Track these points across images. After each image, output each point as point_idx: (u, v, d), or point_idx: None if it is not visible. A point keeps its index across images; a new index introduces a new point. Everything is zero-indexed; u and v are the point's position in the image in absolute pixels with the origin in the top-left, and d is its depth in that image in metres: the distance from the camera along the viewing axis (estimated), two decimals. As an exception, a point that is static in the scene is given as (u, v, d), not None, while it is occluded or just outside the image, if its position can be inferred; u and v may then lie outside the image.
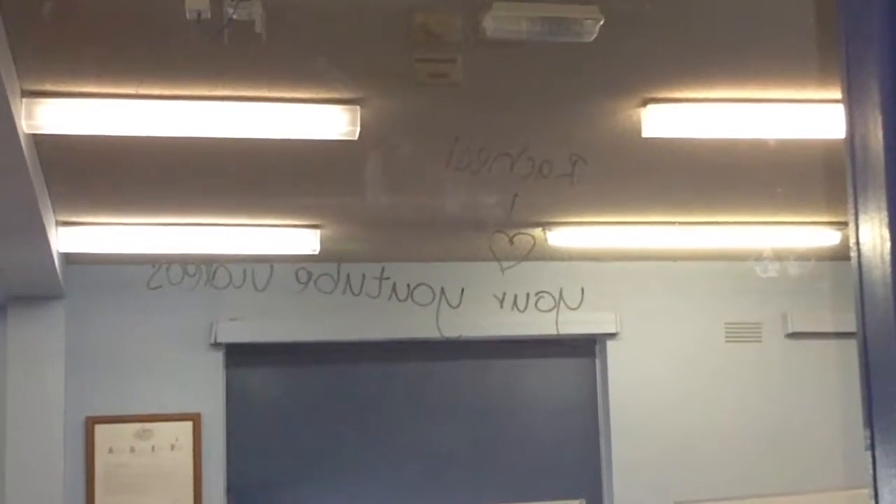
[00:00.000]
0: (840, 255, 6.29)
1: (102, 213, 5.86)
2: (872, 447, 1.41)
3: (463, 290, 5.55)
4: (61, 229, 5.89)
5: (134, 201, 5.67)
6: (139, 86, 4.26)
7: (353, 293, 5.63)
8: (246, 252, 6.18)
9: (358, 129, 4.45)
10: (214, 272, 5.84)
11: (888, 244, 1.37)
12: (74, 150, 4.81)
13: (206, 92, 4.33)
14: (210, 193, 5.61)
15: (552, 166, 4.63)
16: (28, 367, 6.57)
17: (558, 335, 5.77)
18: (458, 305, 5.52)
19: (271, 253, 6.22)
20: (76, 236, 5.98)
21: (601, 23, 3.79)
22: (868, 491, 1.42)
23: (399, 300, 5.64)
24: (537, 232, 6.09)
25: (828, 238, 6.45)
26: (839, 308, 6.61)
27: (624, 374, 7.28)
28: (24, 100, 4.26)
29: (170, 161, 5.06)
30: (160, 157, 4.98)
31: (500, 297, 5.59)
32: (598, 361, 7.41)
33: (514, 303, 5.60)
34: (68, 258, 6.43)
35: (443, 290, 5.57)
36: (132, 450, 6.72)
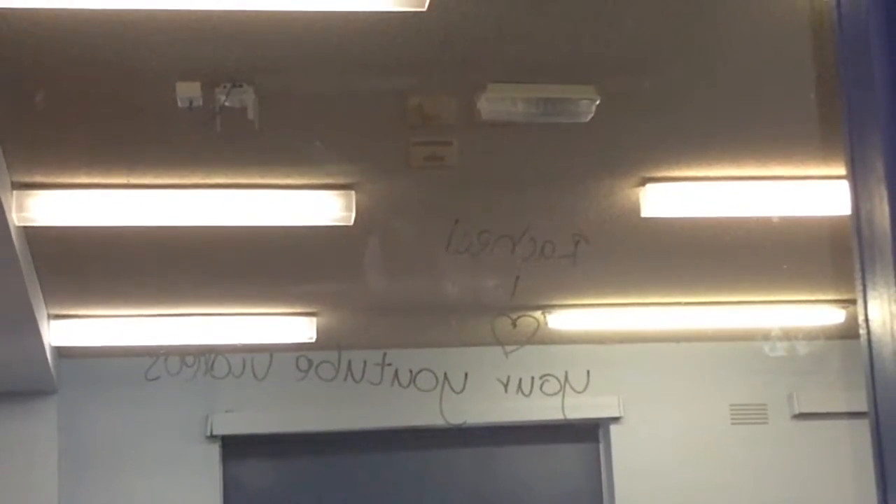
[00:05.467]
0: (846, 333, 6.22)
1: (95, 305, 5.79)
2: (890, 532, 1.37)
3: (466, 374, 5.46)
4: (53, 322, 5.82)
5: (127, 292, 5.60)
6: (130, 175, 4.22)
7: (354, 380, 5.54)
8: (242, 341, 6.10)
9: (353, 214, 4.40)
10: (213, 362, 5.76)
11: (898, 321, 1.35)
12: (66, 241, 4.76)
13: (198, 180, 4.29)
14: (204, 282, 5.55)
15: (554, 247, 4.59)
16: (19, 464, 6.43)
17: (563, 420, 5.67)
18: (462, 391, 5.44)
19: (268, 342, 6.14)
20: (69, 329, 5.90)
21: (597, 103, 3.76)
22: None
23: (402, 387, 5.56)
24: (538, 314, 6.01)
25: (833, 317, 6.38)
26: (847, 387, 6.51)
27: (628, 458, 7.16)
28: (14, 192, 4.24)
29: (163, 251, 5.01)
30: (153, 247, 4.93)
31: (505, 382, 5.51)
32: (602, 446, 7.29)
33: (519, 387, 5.51)
34: (60, 352, 6.34)
35: (446, 376, 5.49)
36: (128, 548, 6.56)
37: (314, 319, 6.09)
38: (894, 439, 1.37)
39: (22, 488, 6.41)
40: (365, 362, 5.57)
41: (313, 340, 6.09)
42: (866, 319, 1.43)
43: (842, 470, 7.03)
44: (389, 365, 5.59)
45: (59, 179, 4.23)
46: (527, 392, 5.54)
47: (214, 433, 6.75)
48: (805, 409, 7.21)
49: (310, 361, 5.61)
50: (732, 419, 7.24)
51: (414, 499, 7.11)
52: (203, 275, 5.41)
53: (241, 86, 3.62)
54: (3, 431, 6.44)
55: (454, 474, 7.19)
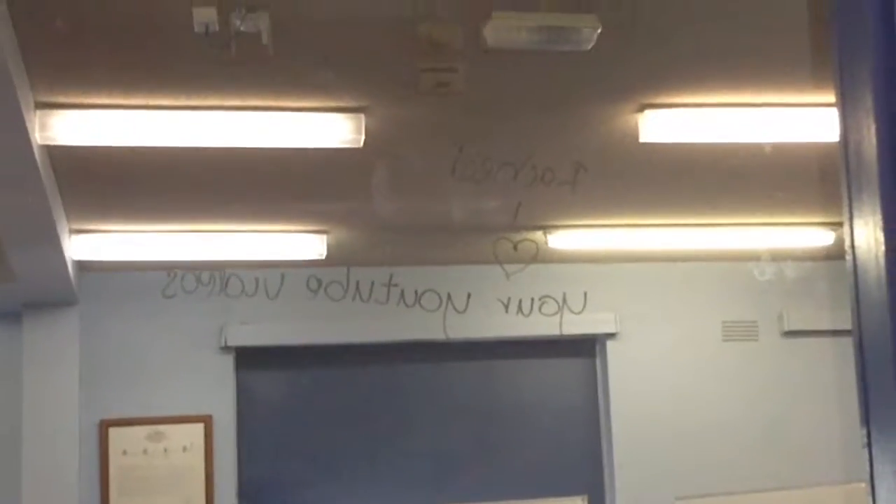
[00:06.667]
0: (834, 254, 6.35)
1: (115, 221, 5.93)
2: (869, 445, 1.41)
3: (469, 295, 5.61)
4: (75, 237, 5.96)
5: (146, 209, 5.75)
6: (149, 97, 4.35)
7: (361, 300, 5.69)
8: (255, 258, 6.26)
9: (362, 136, 4.53)
10: (227, 281, 5.91)
11: (882, 247, 1.37)
12: (87, 160, 4.88)
13: (214, 102, 4.41)
14: (218, 201, 5.68)
15: (554, 174, 4.70)
16: (43, 372, 6.66)
17: (560, 336, 5.84)
18: (465, 311, 5.58)
19: (280, 259, 6.30)
20: (89, 244, 6.06)
21: (598, 31, 3.87)
22: (865, 487, 1.43)
23: (407, 306, 5.71)
24: (538, 235, 6.16)
25: (822, 238, 6.52)
26: (834, 306, 6.68)
27: (624, 372, 7.35)
28: (37, 111, 4.33)
29: (179, 170, 5.14)
30: (170, 166, 5.06)
31: (506, 302, 5.65)
32: (598, 361, 7.49)
33: (519, 307, 5.66)
34: (82, 265, 6.52)
35: (449, 296, 5.63)
36: (145, 452, 6.81)
37: (325, 237, 6.24)
38: (876, 361, 1.41)
39: (45, 394, 6.64)
40: (372, 283, 5.71)
41: (323, 257, 6.25)
42: (852, 244, 1.46)
43: (828, 385, 7.22)
44: (396, 285, 5.74)
45: (81, 100, 4.34)
46: (526, 312, 5.68)
47: (229, 344, 6.95)
48: (794, 327, 7.38)
49: (319, 281, 5.76)
50: (724, 336, 7.42)
51: (417, 409, 7.32)
52: (218, 193, 5.54)
53: (255, 11, 3.73)
54: (28, 340, 6.67)
55: (457, 387, 7.39)
